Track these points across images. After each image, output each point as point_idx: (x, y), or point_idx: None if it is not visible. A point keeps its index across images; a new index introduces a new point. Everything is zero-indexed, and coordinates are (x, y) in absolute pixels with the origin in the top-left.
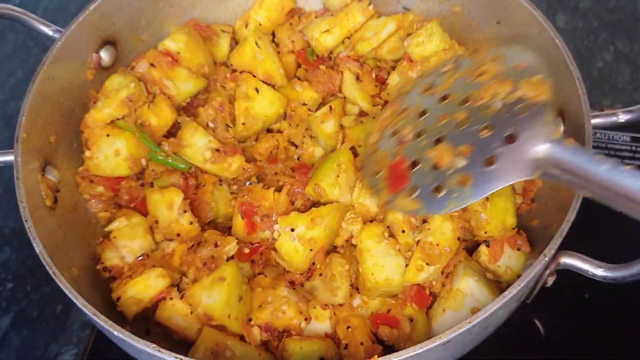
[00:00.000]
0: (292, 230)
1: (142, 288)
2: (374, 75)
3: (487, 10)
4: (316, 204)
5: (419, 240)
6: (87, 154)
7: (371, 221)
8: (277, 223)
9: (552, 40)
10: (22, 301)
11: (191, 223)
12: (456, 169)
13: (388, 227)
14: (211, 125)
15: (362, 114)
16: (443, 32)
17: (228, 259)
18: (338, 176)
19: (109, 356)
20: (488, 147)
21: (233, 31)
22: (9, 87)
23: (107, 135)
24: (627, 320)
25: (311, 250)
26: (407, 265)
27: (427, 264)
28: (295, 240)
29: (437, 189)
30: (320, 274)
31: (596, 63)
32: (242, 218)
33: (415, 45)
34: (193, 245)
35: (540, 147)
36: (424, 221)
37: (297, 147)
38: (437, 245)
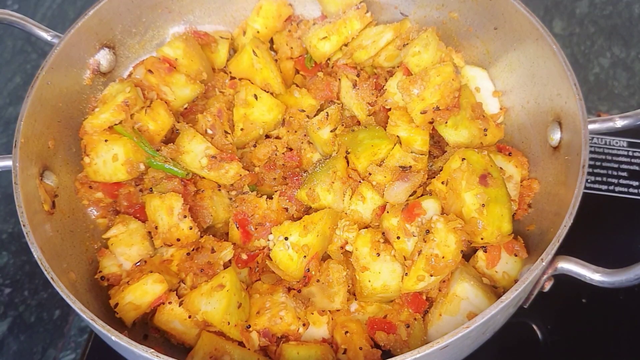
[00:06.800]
0: (286, 239)
1: (140, 294)
2: (373, 81)
3: (484, 17)
4: (309, 211)
5: (420, 251)
6: (86, 160)
7: (366, 227)
8: (271, 233)
9: (549, 46)
10: (19, 306)
11: (191, 228)
12: None
13: (383, 233)
14: (209, 131)
15: (357, 122)
16: (439, 41)
17: (225, 265)
18: (333, 182)
19: None
20: None
21: (232, 38)
22: (7, 92)
23: (105, 141)
24: (625, 325)
25: (305, 257)
26: (406, 274)
27: (431, 275)
28: (289, 248)
29: None
30: (318, 280)
31: (593, 69)
32: (237, 228)
33: (412, 55)
34: (193, 250)
35: None
36: (427, 231)
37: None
38: (443, 257)
